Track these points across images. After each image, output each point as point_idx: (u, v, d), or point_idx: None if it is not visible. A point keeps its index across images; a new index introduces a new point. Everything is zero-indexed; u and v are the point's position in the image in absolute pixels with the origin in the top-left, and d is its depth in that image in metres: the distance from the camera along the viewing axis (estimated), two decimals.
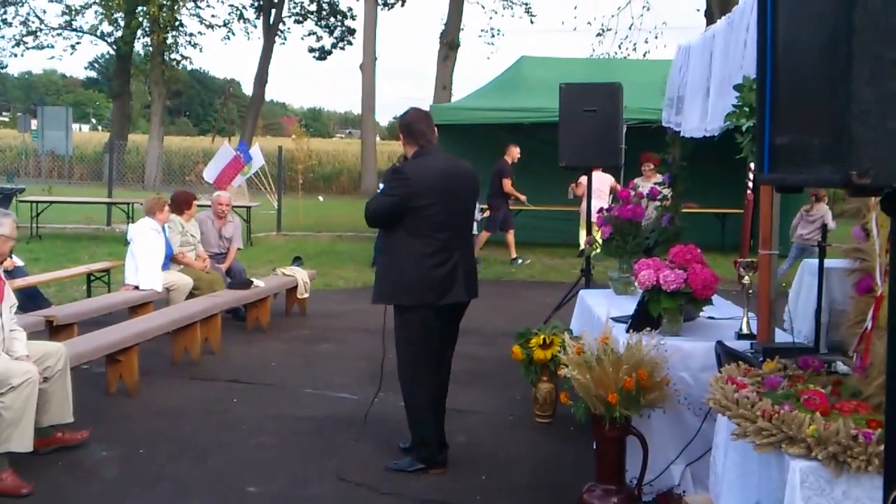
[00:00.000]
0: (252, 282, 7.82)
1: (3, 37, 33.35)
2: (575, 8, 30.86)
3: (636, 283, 4.20)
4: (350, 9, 35.00)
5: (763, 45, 1.90)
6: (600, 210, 5.63)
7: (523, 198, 12.92)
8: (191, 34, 46.78)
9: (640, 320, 4.00)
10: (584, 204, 13.22)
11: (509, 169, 12.51)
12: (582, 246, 13.77)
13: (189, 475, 4.32)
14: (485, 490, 4.21)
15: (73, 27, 32.08)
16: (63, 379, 4.51)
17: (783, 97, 1.84)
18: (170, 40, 30.70)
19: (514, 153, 12.61)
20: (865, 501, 2.36)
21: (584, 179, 13.24)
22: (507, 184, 12.44)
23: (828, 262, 3.51)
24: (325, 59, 35.80)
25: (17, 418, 4.04)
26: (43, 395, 4.35)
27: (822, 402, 2.62)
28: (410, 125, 4.44)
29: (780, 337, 3.84)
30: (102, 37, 32.03)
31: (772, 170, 1.89)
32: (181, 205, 8.03)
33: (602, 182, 12.00)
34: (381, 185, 4.42)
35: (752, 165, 3.76)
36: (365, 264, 11.84)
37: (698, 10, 27.14)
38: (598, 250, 5.80)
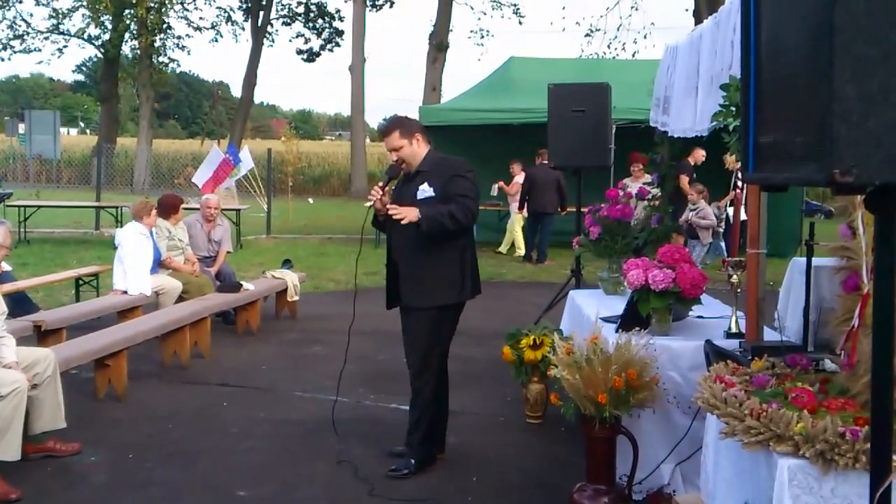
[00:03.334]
0: (241, 285, 7.80)
1: None
2: (563, 8, 31.02)
3: (625, 283, 4.21)
4: (338, 10, 35.13)
5: (747, 44, 1.91)
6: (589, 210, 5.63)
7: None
8: (179, 37, 46.80)
9: (630, 320, 4.01)
10: (516, 204, 13.45)
11: (689, 168, 11.61)
12: (502, 249, 13.87)
13: (179, 480, 4.31)
14: (476, 491, 4.21)
15: (61, 30, 31.89)
16: (53, 385, 4.50)
17: (767, 97, 1.85)
18: (157, 43, 30.56)
19: (698, 155, 11.70)
20: (853, 499, 2.37)
21: (518, 178, 13.38)
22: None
23: (816, 261, 3.52)
24: (313, 60, 35.78)
25: (5, 427, 4.03)
26: (34, 401, 4.34)
27: (810, 400, 2.64)
28: (421, 124, 4.53)
29: (769, 335, 3.85)
30: (90, 40, 31.83)
31: (757, 169, 1.90)
32: (168, 209, 7.97)
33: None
34: (427, 187, 4.25)
35: (739, 164, 3.77)
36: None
37: (687, 10, 27.26)
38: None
